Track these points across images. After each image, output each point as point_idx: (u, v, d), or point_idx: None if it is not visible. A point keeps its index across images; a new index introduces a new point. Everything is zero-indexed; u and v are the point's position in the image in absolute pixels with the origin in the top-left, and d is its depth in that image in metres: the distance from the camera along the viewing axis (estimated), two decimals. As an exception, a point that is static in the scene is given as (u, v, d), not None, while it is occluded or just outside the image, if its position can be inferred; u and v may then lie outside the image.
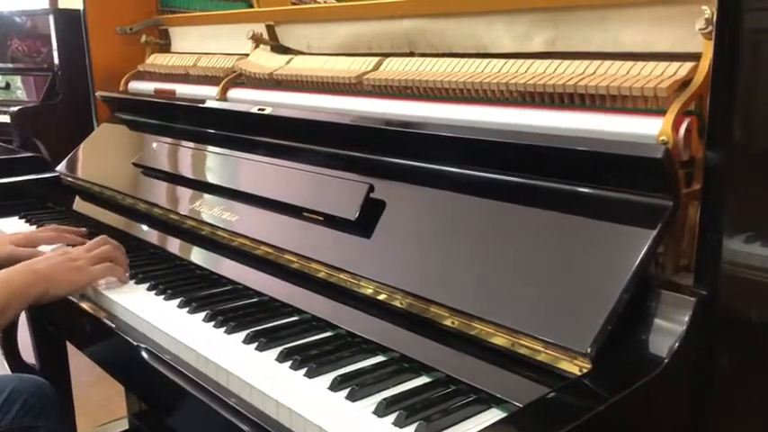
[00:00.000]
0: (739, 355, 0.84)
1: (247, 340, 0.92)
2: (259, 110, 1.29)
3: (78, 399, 1.85)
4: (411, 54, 1.24)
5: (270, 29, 1.53)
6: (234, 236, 1.19)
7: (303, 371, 0.83)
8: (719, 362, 0.80)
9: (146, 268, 1.21)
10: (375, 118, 1.16)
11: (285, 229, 1.12)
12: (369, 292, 0.96)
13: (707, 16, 0.78)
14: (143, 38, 1.86)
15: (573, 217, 0.83)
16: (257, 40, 1.51)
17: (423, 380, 0.82)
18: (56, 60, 3.41)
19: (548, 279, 0.81)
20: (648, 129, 0.83)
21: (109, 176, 1.60)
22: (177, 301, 1.06)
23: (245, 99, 1.45)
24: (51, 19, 3.40)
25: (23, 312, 1.13)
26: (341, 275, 1.00)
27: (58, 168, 1.77)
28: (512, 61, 1.03)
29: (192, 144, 1.46)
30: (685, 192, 0.81)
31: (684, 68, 0.85)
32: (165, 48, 1.91)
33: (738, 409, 0.86)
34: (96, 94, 1.82)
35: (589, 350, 0.72)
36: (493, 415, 0.74)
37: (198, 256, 1.25)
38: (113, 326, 1.04)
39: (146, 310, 1.04)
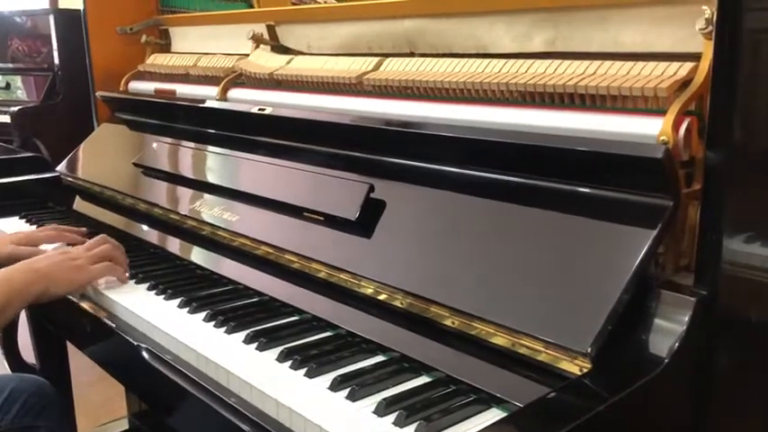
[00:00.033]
0: (739, 355, 0.84)
1: (248, 340, 0.92)
2: (259, 110, 1.29)
3: (78, 398, 1.85)
4: (411, 54, 1.24)
5: (270, 29, 1.53)
6: (234, 236, 1.19)
7: (303, 371, 0.83)
8: (719, 362, 0.80)
9: (146, 268, 1.21)
10: (375, 118, 1.16)
11: (285, 229, 1.12)
12: (369, 291, 0.96)
13: (707, 16, 0.78)
14: (143, 38, 1.86)
15: (573, 217, 0.84)
16: (257, 40, 1.51)
17: (423, 380, 0.82)
18: (56, 60, 3.41)
19: (548, 279, 0.81)
20: (649, 129, 0.83)
21: (109, 176, 1.60)
22: (177, 300, 1.06)
23: (245, 99, 1.45)
24: (51, 19, 3.40)
25: (23, 312, 1.14)
26: (341, 275, 1.00)
27: (58, 168, 1.77)
28: (512, 61, 1.03)
29: (192, 144, 1.46)
30: (685, 192, 0.81)
31: (684, 68, 0.85)
32: (166, 48, 1.91)
33: (738, 409, 0.86)
34: (96, 94, 1.82)
35: (589, 350, 0.72)
36: (493, 415, 0.74)
37: (198, 255, 1.25)
38: (114, 326, 1.04)
39: (146, 309, 1.04)
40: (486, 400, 0.75)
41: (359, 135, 1.14)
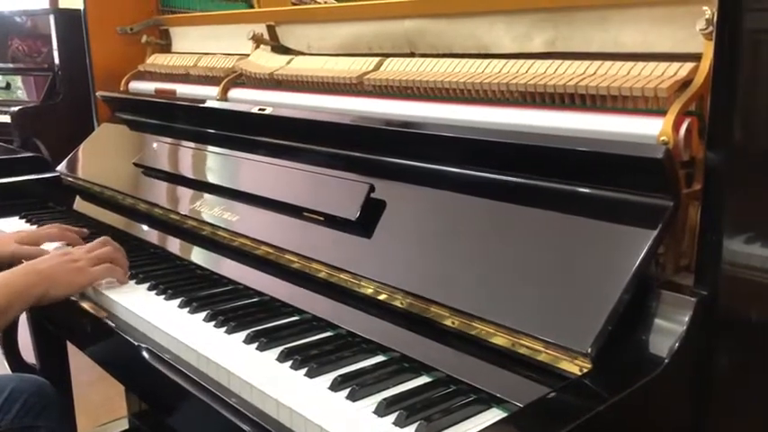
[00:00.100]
0: (739, 356, 0.84)
1: (248, 340, 0.92)
2: (260, 110, 1.29)
3: (78, 398, 1.85)
4: (411, 54, 1.24)
5: (270, 29, 1.53)
6: (234, 236, 1.19)
7: (304, 371, 0.83)
8: (720, 362, 0.80)
9: (146, 268, 1.21)
10: (375, 118, 1.16)
11: (286, 229, 1.12)
12: (369, 291, 0.96)
13: (707, 17, 0.78)
14: (143, 38, 1.86)
15: (573, 217, 0.84)
16: (258, 40, 1.51)
17: (423, 380, 0.82)
18: (56, 60, 3.41)
19: (548, 279, 0.81)
20: (649, 129, 0.83)
21: (109, 176, 1.60)
22: (178, 300, 1.06)
23: (245, 99, 1.45)
24: (52, 19, 3.41)
25: (24, 312, 1.14)
26: (341, 275, 1.00)
27: (58, 168, 1.77)
28: (512, 61, 1.03)
29: (192, 144, 1.46)
30: (686, 192, 0.81)
31: (685, 69, 0.85)
32: (166, 48, 1.91)
33: (738, 410, 0.86)
34: (97, 93, 1.82)
35: (589, 350, 0.72)
36: (493, 415, 0.74)
37: (198, 256, 1.25)
38: (114, 326, 1.04)
39: (146, 309, 1.04)
40: (487, 401, 0.75)
41: (359, 135, 1.14)
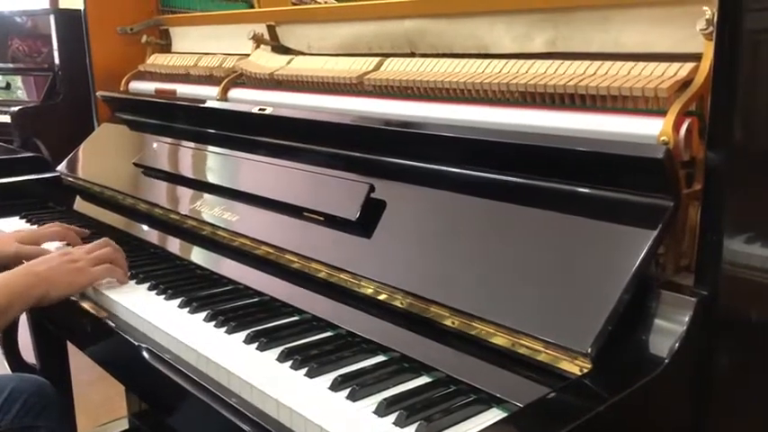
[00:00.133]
0: (739, 356, 0.84)
1: (248, 340, 0.92)
2: (260, 110, 1.29)
3: (78, 398, 1.85)
4: (412, 54, 1.24)
5: (270, 29, 1.53)
6: (234, 236, 1.19)
7: (304, 371, 0.83)
8: (720, 362, 0.80)
9: (146, 268, 1.21)
10: (376, 118, 1.16)
11: (286, 229, 1.12)
12: (369, 291, 0.96)
13: (707, 17, 0.78)
14: (144, 38, 1.86)
15: (574, 217, 0.84)
16: (258, 40, 1.51)
17: (423, 380, 0.82)
18: (56, 60, 3.41)
19: (548, 279, 0.81)
20: (649, 129, 0.83)
21: (109, 176, 1.60)
22: (178, 300, 1.06)
23: (245, 99, 1.45)
24: (52, 19, 3.41)
25: (24, 312, 1.14)
26: (341, 275, 1.00)
27: (58, 168, 1.77)
28: (512, 62, 1.03)
29: (192, 144, 1.46)
30: (686, 192, 0.81)
31: (685, 69, 0.85)
32: (166, 48, 1.91)
33: (738, 410, 0.86)
34: (97, 93, 1.82)
35: (590, 350, 0.72)
36: (493, 415, 0.74)
37: (198, 256, 1.25)
38: (114, 326, 1.04)
39: (146, 309, 1.04)
40: (487, 401, 0.75)
41: (359, 135, 1.14)
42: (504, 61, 1.04)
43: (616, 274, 0.75)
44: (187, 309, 1.03)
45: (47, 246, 1.29)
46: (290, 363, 0.85)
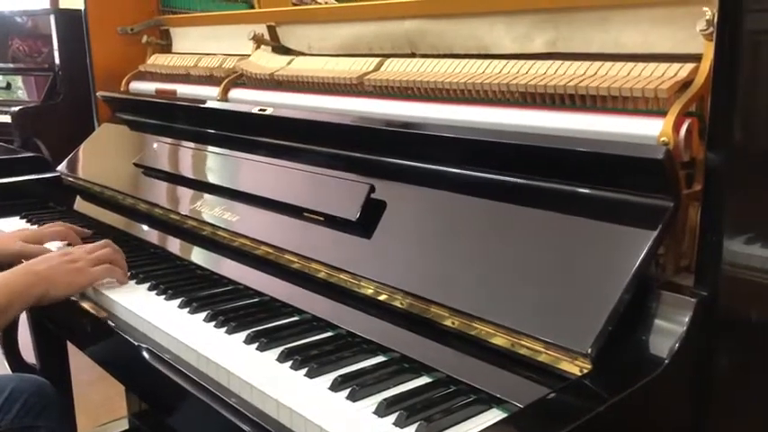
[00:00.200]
0: (739, 356, 0.84)
1: (248, 340, 0.92)
2: (260, 110, 1.29)
3: (78, 398, 1.85)
4: (412, 55, 1.24)
5: (271, 29, 1.53)
6: (234, 236, 1.19)
7: (304, 371, 0.83)
8: (720, 363, 0.80)
9: (146, 268, 1.21)
10: (376, 118, 1.16)
11: (286, 229, 1.12)
12: (369, 292, 0.96)
13: (708, 17, 0.79)
14: (144, 38, 1.86)
15: (574, 217, 0.84)
16: (258, 40, 1.51)
17: (423, 380, 0.82)
18: (57, 60, 3.41)
19: (548, 279, 0.81)
20: (649, 130, 0.83)
21: (110, 176, 1.60)
22: (178, 301, 1.06)
23: (246, 99, 1.45)
24: (52, 19, 3.41)
25: (24, 312, 1.14)
26: (341, 276, 1.00)
27: (58, 168, 1.77)
28: (513, 62, 1.03)
29: (192, 144, 1.46)
30: (686, 193, 0.81)
31: (685, 70, 0.85)
32: (167, 48, 1.91)
33: (738, 410, 0.86)
34: (97, 94, 1.82)
35: (590, 351, 0.72)
36: (493, 415, 0.74)
37: (199, 256, 1.25)
38: (114, 326, 1.04)
39: (146, 310, 1.04)
40: (487, 401, 0.75)
41: (359, 135, 1.14)
42: (504, 62, 1.04)
43: (616, 275, 0.75)
44: (187, 309, 1.03)
45: (49, 246, 1.30)
46: (290, 363, 0.85)
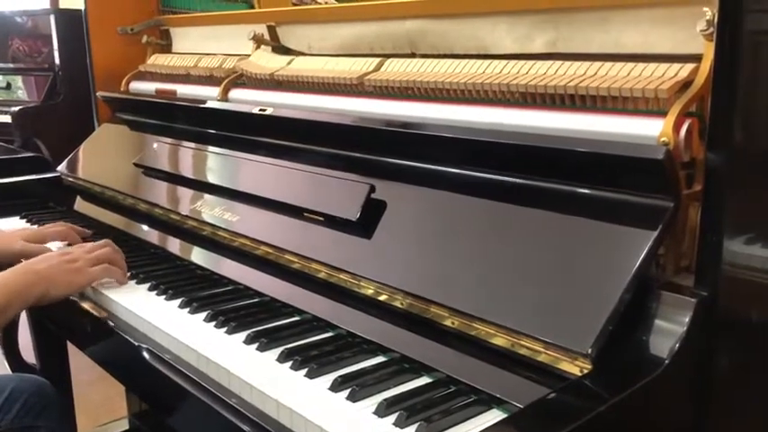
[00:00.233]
0: (740, 357, 0.85)
1: (248, 340, 0.92)
2: (260, 110, 1.29)
3: (79, 398, 1.85)
4: (412, 55, 1.24)
5: (271, 30, 1.53)
6: (235, 236, 1.19)
7: (304, 371, 0.83)
8: (720, 363, 0.80)
9: (146, 268, 1.21)
10: (376, 119, 1.16)
11: (286, 229, 1.12)
12: (369, 292, 0.96)
13: (708, 18, 0.78)
14: (144, 38, 1.86)
15: (574, 218, 0.84)
16: (258, 40, 1.51)
17: (423, 380, 0.82)
18: (57, 60, 3.41)
19: (548, 280, 0.81)
20: (649, 130, 0.83)
21: (110, 177, 1.60)
22: (178, 301, 1.06)
23: (246, 99, 1.45)
24: (52, 19, 3.41)
25: (24, 312, 1.14)
26: (341, 276, 1.00)
27: (58, 168, 1.77)
28: (513, 62, 1.03)
29: (192, 144, 1.46)
30: (686, 193, 0.81)
31: (685, 70, 0.85)
32: (167, 48, 1.91)
33: (739, 410, 0.86)
34: (97, 94, 1.82)
35: (590, 351, 0.72)
36: (494, 416, 0.74)
37: (199, 256, 1.25)
38: (114, 326, 1.04)
39: (147, 310, 1.04)
40: (487, 401, 0.75)
41: (360, 136, 1.14)
42: (504, 62, 1.04)
43: (616, 275, 0.75)
44: (187, 309, 1.03)
45: (49, 246, 1.30)
46: (290, 363, 0.85)
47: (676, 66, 0.86)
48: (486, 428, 0.65)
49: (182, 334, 0.95)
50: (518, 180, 0.91)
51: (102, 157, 1.74)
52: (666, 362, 0.73)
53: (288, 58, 1.44)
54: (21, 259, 1.20)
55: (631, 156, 0.79)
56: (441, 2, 1.16)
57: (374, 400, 0.76)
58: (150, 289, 1.12)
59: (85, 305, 1.12)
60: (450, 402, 0.76)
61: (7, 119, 3.30)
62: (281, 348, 0.88)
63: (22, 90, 3.59)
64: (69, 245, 1.31)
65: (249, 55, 1.52)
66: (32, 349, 1.82)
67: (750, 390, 0.88)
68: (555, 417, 0.68)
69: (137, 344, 0.97)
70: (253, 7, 1.78)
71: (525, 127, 0.96)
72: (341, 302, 0.99)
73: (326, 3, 1.70)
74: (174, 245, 1.32)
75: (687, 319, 0.74)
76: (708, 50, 0.81)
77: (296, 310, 1.01)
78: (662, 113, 0.83)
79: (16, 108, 3.32)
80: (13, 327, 1.82)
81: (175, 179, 1.42)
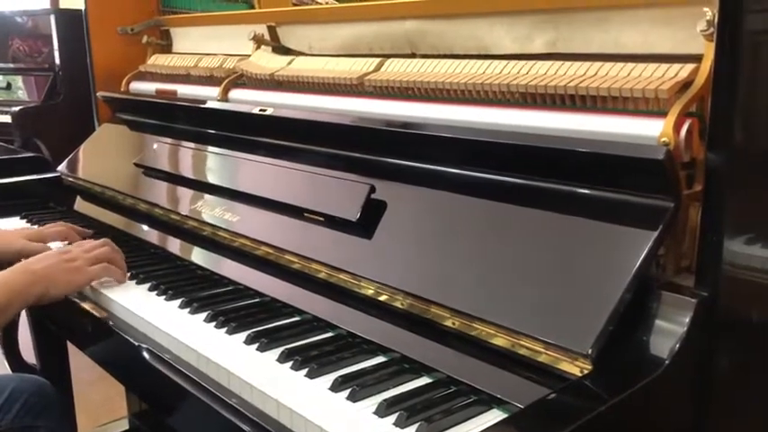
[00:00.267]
0: (740, 357, 0.84)
1: (248, 341, 0.92)
2: (260, 110, 1.29)
3: (79, 398, 1.85)
4: (412, 55, 1.24)
5: (271, 30, 1.53)
6: (235, 236, 1.19)
7: (304, 371, 0.83)
8: (720, 363, 0.80)
9: (147, 268, 1.21)
10: (376, 119, 1.16)
11: (286, 229, 1.12)
12: (369, 292, 0.96)
13: (708, 18, 0.78)
14: (144, 38, 1.86)
15: (574, 218, 0.84)
16: (258, 40, 1.51)
17: (424, 380, 0.82)
18: (57, 60, 3.41)
19: (549, 280, 0.81)
20: (649, 130, 0.83)
21: (110, 177, 1.60)
22: (178, 301, 1.06)
23: (246, 100, 1.45)
24: (52, 19, 3.41)
25: (24, 312, 1.14)
26: (341, 276, 1.00)
27: (59, 168, 1.77)
28: (513, 62, 1.03)
29: (193, 144, 1.46)
30: (686, 193, 0.81)
31: (685, 70, 0.85)
32: (167, 48, 1.91)
33: (739, 411, 0.86)
34: (97, 94, 1.82)
35: (590, 351, 0.72)
36: (494, 416, 0.74)
37: (199, 256, 1.25)
38: (114, 326, 1.04)
39: (147, 310, 1.04)
40: (487, 401, 0.75)
41: (360, 136, 1.14)
42: (504, 62, 1.04)
43: (617, 275, 0.75)
44: (187, 309, 1.03)
45: (52, 245, 1.30)
46: (290, 363, 0.85)
47: (676, 66, 0.86)
48: (487, 428, 0.65)
49: (182, 334, 0.95)
50: (518, 180, 0.91)
51: (103, 157, 1.75)
52: (667, 362, 0.73)
53: (288, 58, 1.44)
54: (21, 259, 1.20)
55: (632, 156, 0.79)
56: (440, 2, 1.16)
57: (374, 401, 0.76)
58: (150, 289, 1.12)
59: (86, 305, 1.12)
60: (450, 402, 0.76)
61: (7, 119, 3.30)
62: (282, 348, 0.88)
63: (22, 90, 3.59)
64: (69, 245, 1.31)
65: (249, 55, 1.52)
66: (32, 349, 1.82)
67: (750, 390, 0.88)
68: (555, 417, 0.68)
69: (137, 344, 0.97)
70: (253, 7, 1.79)
71: (525, 127, 0.96)
72: (341, 303, 0.99)
73: (327, 3, 1.70)
74: (175, 245, 1.32)
75: (687, 320, 0.74)
76: (708, 50, 0.81)
77: (296, 310, 1.01)
78: (662, 114, 0.83)
79: (16, 108, 3.32)
80: (13, 327, 1.82)
81: (175, 179, 1.42)
